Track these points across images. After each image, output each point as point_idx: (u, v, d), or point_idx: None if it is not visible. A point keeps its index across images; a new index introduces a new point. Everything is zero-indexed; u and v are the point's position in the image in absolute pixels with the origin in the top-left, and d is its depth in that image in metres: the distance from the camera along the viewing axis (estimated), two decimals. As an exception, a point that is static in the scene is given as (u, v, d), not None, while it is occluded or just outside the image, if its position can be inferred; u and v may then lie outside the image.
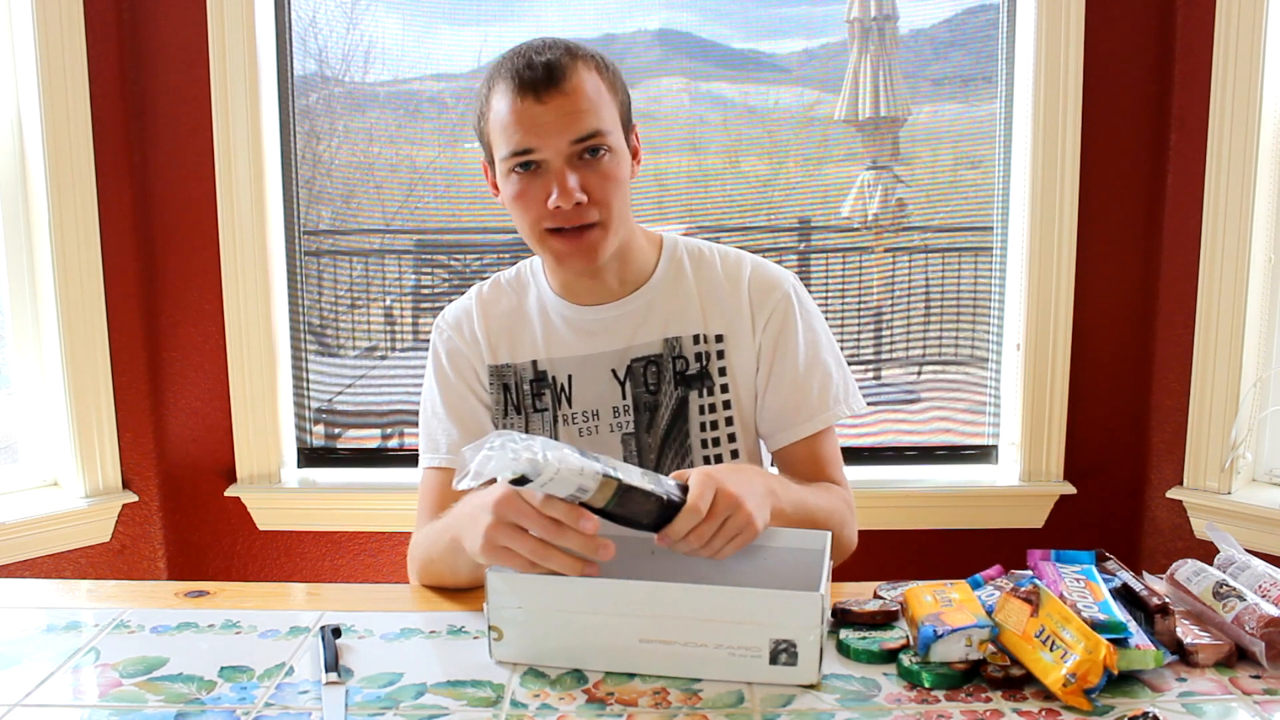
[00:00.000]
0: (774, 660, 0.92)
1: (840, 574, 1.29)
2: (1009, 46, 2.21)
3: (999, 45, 2.22)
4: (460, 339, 1.34)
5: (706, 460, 1.30)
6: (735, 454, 1.30)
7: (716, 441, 1.30)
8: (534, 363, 1.32)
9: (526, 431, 1.31)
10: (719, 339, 1.30)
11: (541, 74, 1.14)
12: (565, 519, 0.94)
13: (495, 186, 1.27)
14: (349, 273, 2.35)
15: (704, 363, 1.29)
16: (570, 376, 1.30)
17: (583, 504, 0.95)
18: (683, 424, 1.29)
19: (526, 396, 1.32)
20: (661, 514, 0.99)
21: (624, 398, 1.30)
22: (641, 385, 1.30)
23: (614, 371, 1.30)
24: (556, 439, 1.28)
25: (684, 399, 1.29)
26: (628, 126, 1.24)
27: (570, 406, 1.30)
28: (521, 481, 0.93)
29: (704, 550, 1.01)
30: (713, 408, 1.30)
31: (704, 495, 0.99)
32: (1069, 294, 2.21)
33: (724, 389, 1.30)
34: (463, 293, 1.40)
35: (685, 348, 1.29)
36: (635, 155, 1.26)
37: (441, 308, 1.40)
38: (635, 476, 0.97)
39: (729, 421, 1.30)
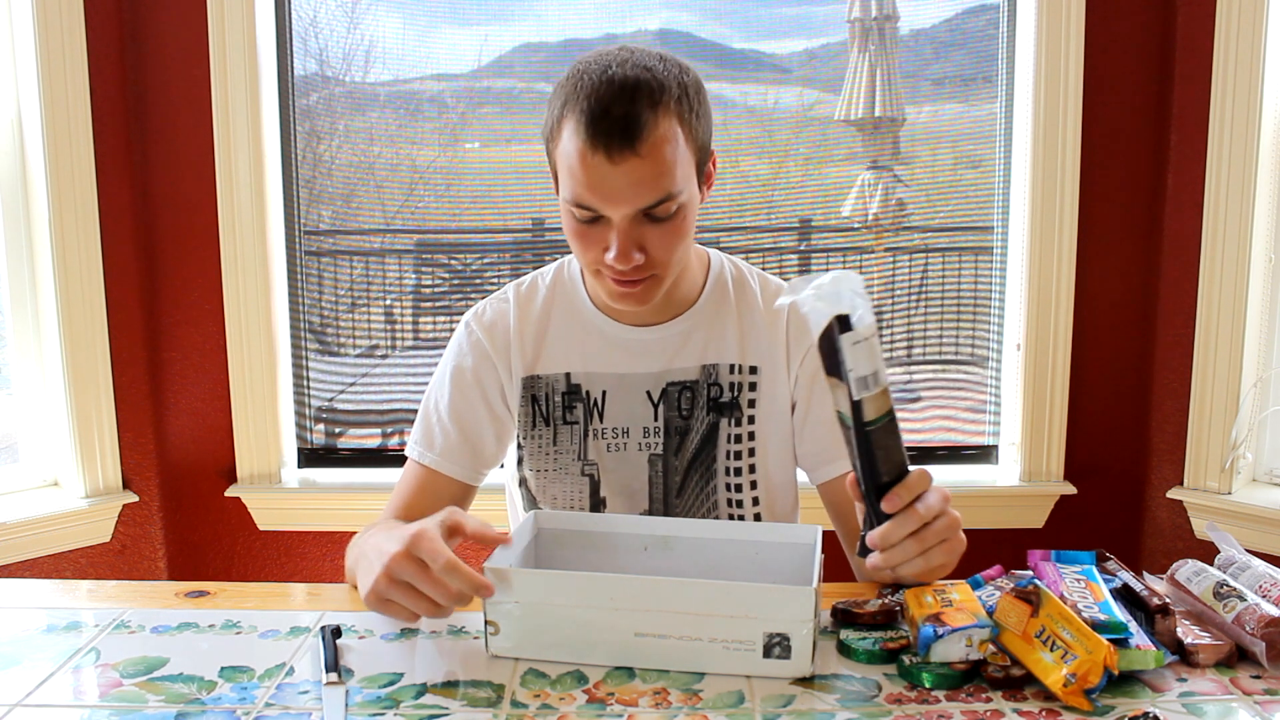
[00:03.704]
0: (768, 653, 0.93)
1: (841, 574, 1.29)
2: (1009, 46, 2.21)
3: (999, 45, 2.22)
4: (492, 345, 1.31)
5: (729, 488, 1.29)
6: (754, 484, 1.30)
7: (739, 471, 1.29)
8: (567, 375, 1.29)
9: (554, 445, 1.30)
10: (753, 370, 1.29)
11: (618, 128, 1.06)
12: (467, 588, 0.94)
13: (558, 189, 1.22)
14: (349, 273, 2.35)
15: (736, 392, 1.29)
16: (605, 393, 1.29)
17: (855, 403, 0.95)
18: (711, 449, 1.29)
19: (557, 409, 1.29)
20: (902, 467, 0.98)
21: (655, 419, 1.28)
22: (675, 409, 1.29)
23: (648, 393, 1.29)
24: (586, 453, 1.29)
25: (715, 425, 1.29)
26: (703, 161, 1.18)
27: (602, 422, 1.29)
28: (843, 324, 0.92)
29: (914, 542, 0.98)
30: (739, 438, 1.29)
31: (926, 473, 0.99)
32: (1069, 294, 2.21)
33: (750, 420, 1.29)
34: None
35: (721, 375, 1.29)
36: (708, 180, 1.20)
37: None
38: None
39: (751, 453, 1.29)
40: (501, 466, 1.38)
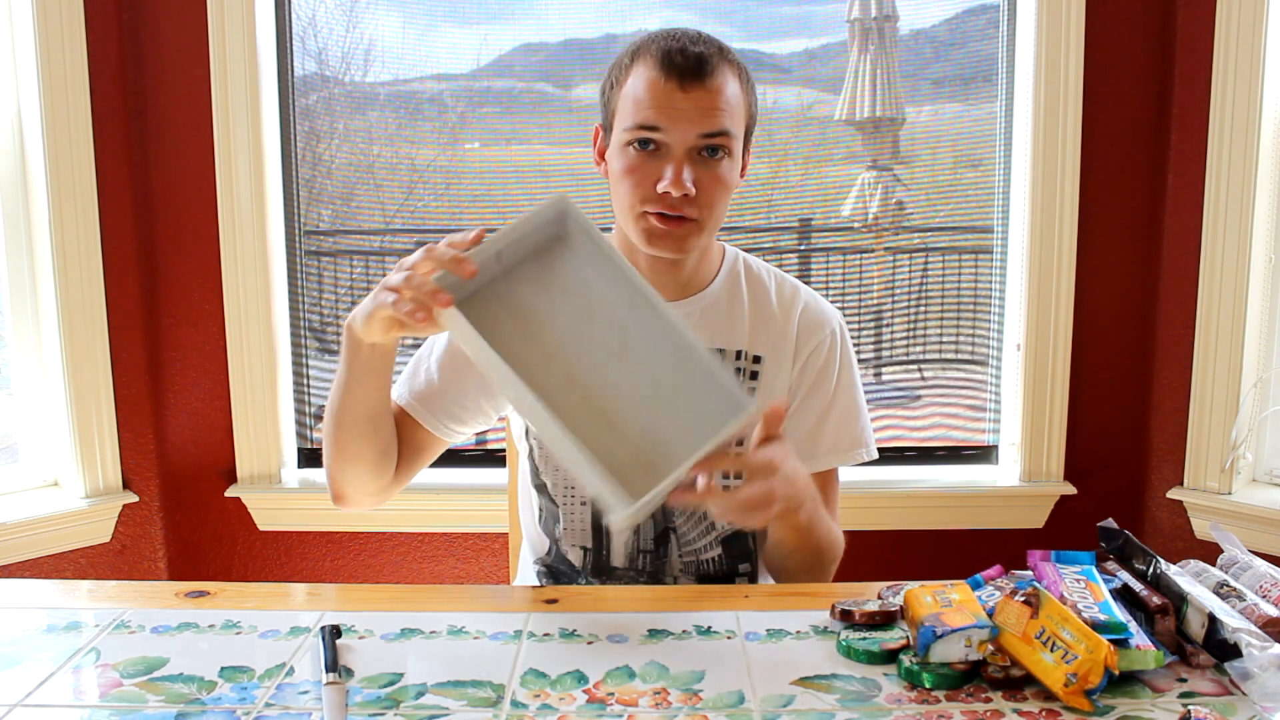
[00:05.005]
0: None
1: (842, 574, 1.29)
2: (1009, 46, 2.21)
3: (999, 45, 2.22)
4: None
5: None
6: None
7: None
8: None
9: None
10: (757, 360, 1.31)
11: (692, 63, 1.16)
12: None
13: (601, 155, 1.27)
14: (349, 273, 2.35)
15: (742, 380, 1.30)
16: None
17: None
18: None
19: None
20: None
21: None
22: None
23: None
24: None
25: None
26: (749, 133, 1.26)
27: None
28: None
29: (718, 497, 1.03)
30: None
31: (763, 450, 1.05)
32: (1069, 294, 2.21)
33: None
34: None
35: (728, 362, 1.30)
36: (743, 170, 1.27)
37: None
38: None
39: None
40: (476, 438, 1.37)
